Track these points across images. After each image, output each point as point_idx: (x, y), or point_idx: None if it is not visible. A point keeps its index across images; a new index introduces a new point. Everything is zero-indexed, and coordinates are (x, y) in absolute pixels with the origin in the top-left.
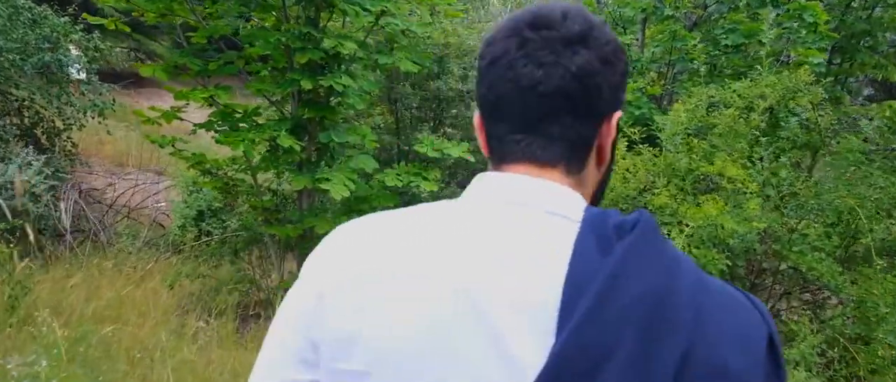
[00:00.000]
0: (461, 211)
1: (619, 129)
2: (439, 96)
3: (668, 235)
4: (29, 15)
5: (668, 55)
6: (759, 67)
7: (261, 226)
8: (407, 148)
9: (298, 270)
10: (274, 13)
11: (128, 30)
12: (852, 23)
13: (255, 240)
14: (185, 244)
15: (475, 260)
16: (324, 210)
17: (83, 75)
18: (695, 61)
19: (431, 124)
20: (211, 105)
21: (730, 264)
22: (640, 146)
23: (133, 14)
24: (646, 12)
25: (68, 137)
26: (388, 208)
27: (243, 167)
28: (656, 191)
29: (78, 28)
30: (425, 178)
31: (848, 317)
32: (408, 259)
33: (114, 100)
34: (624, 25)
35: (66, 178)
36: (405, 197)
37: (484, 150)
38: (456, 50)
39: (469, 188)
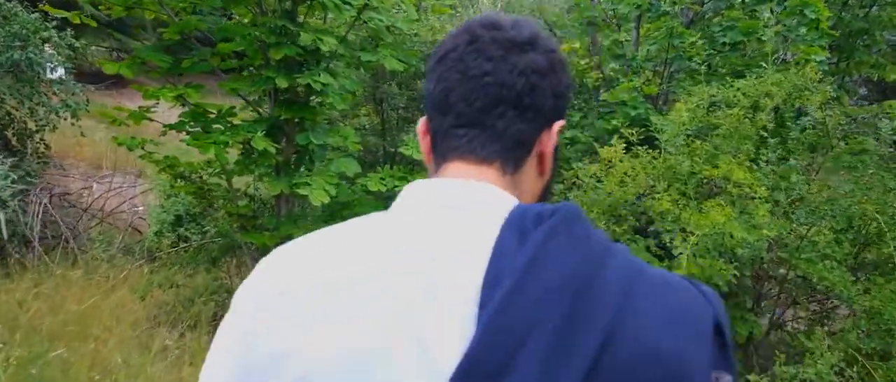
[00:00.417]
0: (391, 220)
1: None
2: (426, 96)
3: (671, 243)
4: None
5: (664, 53)
6: (764, 65)
7: (237, 234)
8: (393, 150)
9: None
10: (250, 7)
11: (94, 24)
12: (850, 21)
13: (233, 248)
14: (161, 251)
15: (402, 267)
16: (303, 216)
17: (56, 74)
18: (693, 59)
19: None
20: (184, 105)
21: (737, 275)
22: (639, 148)
23: (100, 7)
24: (641, 9)
25: (41, 139)
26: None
27: (218, 171)
28: (657, 195)
29: (50, 25)
30: (411, 182)
31: (862, 331)
32: (335, 272)
33: (87, 100)
34: (618, 22)
35: (35, 182)
36: (390, 202)
37: (426, 157)
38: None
39: (399, 197)
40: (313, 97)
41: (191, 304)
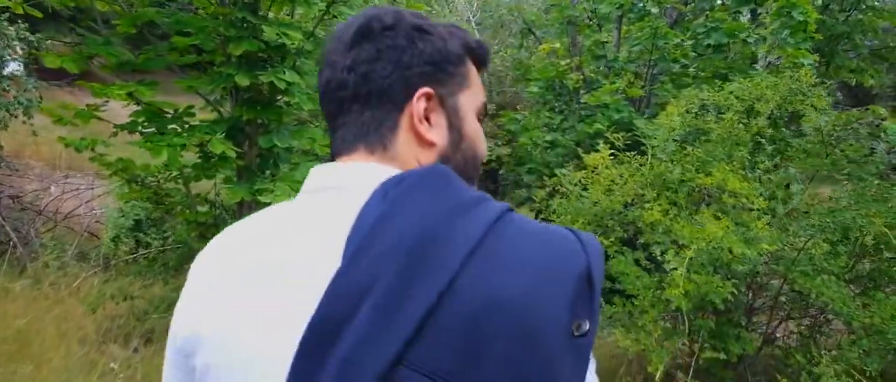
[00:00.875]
0: (286, 210)
1: (452, 108)
2: None
3: (662, 256)
4: None
5: (648, 54)
6: (757, 67)
7: (195, 243)
8: None
9: None
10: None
11: (40, 15)
12: (831, 25)
13: (192, 257)
14: (118, 258)
15: (290, 249)
16: None
17: (7, 69)
18: (678, 61)
19: None
20: (138, 103)
21: (735, 292)
22: (627, 154)
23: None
24: (622, 9)
25: None
26: None
27: (175, 175)
28: (646, 205)
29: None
30: None
31: (863, 350)
32: (239, 255)
33: (41, 97)
34: (599, 23)
35: None
36: None
37: None
38: None
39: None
40: (280, 97)
41: (146, 317)
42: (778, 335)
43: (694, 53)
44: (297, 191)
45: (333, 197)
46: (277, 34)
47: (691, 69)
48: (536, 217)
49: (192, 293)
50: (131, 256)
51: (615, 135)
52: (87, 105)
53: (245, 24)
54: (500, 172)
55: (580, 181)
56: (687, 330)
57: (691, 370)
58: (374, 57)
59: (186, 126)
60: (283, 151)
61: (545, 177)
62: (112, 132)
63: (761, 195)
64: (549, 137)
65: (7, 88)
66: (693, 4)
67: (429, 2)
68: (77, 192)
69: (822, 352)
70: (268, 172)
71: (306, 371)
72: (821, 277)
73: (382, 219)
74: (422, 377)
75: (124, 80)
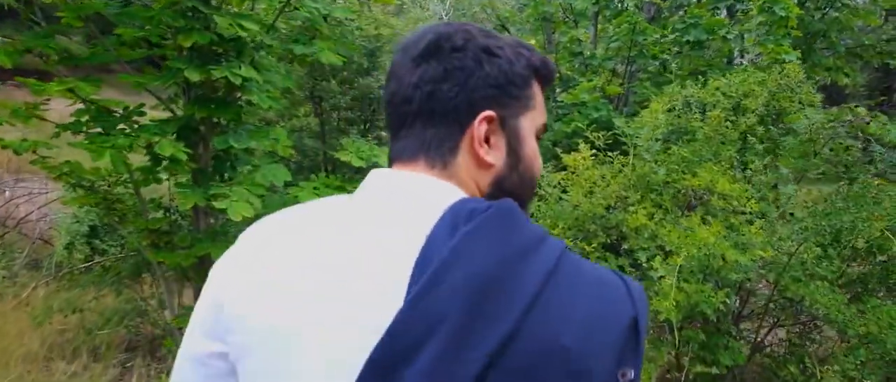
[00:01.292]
0: (346, 204)
1: (513, 130)
2: (370, 95)
3: (649, 263)
4: None
5: (626, 51)
6: (743, 62)
7: (147, 251)
8: (334, 154)
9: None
10: None
11: None
12: (808, 23)
13: (148, 266)
14: (72, 266)
15: (351, 248)
16: (224, 233)
17: None
18: (657, 58)
19: (362, 127)
20: (83, 101)
21: (727, 301)
22: (610, 154)
23: None
24: (599, 4)
25: None
26: None
27: (124, 179)
28: (630, 208)
29: None
30: (349, 192)
31: (861, 362)
32: (293, 253)
33: None
34: (575, 19)
35: None
36: None
37: None
38: (389, 42)
39: (362, 184)
40: (239, 94)
41: (97, 331)
42: (766, 342)
43: (674, 49)
44: (257, 195)
45: (398, 205)
46: (231, 25)
47: (674, 65)
48: None
49: (247, 266)
50: (86, 264)
51: (595, 133)
52: (26, 103)
53: (195, 14)
54: None
55: (559, 183)
56: (676, 343)
57: None
58: (442, 76)
59: (135, 126)
60: (241, 153)
61: None
62: (54, 132)
63: (753, 197)
64: None
65: None
66: (669, 1)
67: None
68: (30, 197)
69: (816, 362)
70: (226, 176)
71: None
72: (814, 283)
73: (453, 257)
74: None
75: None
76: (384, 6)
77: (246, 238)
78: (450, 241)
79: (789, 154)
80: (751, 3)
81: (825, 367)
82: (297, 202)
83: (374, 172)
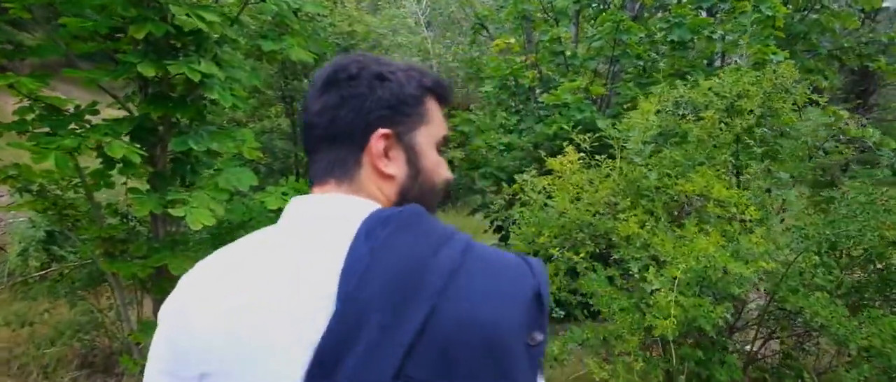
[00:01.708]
0: (275, 235)
1: (410, 144)
2: None
3: (640, 274)
4: None
5: (609, 50)
6: (738, 61)
7: (101, 261)
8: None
9: (155, 316)
10: None
11: None
12: (790, 24)
13: (102, 277)
14: (27, 275)
15: (285, 275)
16: (185, 242)
17: None
18: (641, 58)
19: None
20: (29, 98)
21: (728, 317)
22: (598, 157)
23: None
24: (580, 3)
25: None
26: None
27: (76, 183)
28: (619, 215)
29: None
30: None
31: (865, 378)
32: (236, 286)
33: None
34: (556, 18)
35: None
36: None
37: None
38: (363, 40)
39: (285, 212)
40: (202, 92)
41: (50, 345)
42: (760, 354)
43: (663, 48)
44: (219, 201)
45: (318, 227)
46: (189, 15)
47: (662, 63)
48: (497, 231)
49: (199, 302)
50: (42, 272)
51: (581, 135)
52: None
53: (150, 4)
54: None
55: (544, 188)
56: (672, 361)
57: None
58: (339, 103)
59: (87, 125)
60: (202, 155)
61: (502, 183)
62: None
63: (753, 204)
64: (504, 139)
65: None
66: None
67: (377, 1)
68: None
69: (814, 377)
70: (187, 180)
71: None
72: (814, 294)
73: (374, 259)
74: None
75: (15, 72)
76: (358, 1)
77: (188, 280)
78: (368, 245)
79: (789, 157)
80: (733, 2)
81: (822, 375)
82: (264, 207)
83: (293, 201)
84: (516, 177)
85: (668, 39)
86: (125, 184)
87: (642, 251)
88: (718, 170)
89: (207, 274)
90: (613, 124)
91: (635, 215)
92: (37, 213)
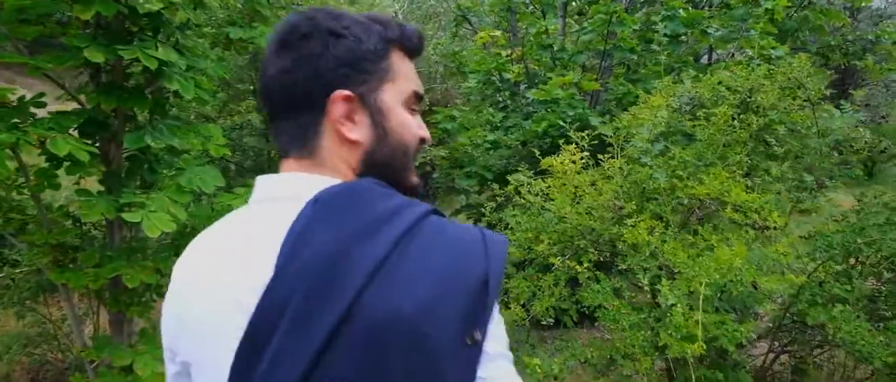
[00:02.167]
0: (244, 215)
1: (374, 105)
2: None
3: (649, 285)
4: None
5: (600, 43)
6: (750, 53)
7: (49, 270)
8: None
9: (113, 329)
10: None
11: None
12: (781, 22)
13: (51, 286)
14: None
15: (235, 253)
16: (142, 249)
17: None
18: (634, 51)
19: None
20: None
21: (753, 336)
22: (600, 156)
23: None
24: None
25: None
26: None
27: (20, 183)
28: (627, 221)
29: None
30: None
31: None
32: (198, 265)
33: None
34: (542, 10)
35: None
36: None
37: None
38: None
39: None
40: (163, 83)
41: None
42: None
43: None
44: (180, 204)
45: (275, 208)
46: None
47: (663, 56)
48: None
49: (177, 294)
50: None
51: (579, 133)
52: None
53: None
54: (434, 175)
55: (542, 191)
56: None
57: None
58: (293, 66)
59: (32, 119)
60: (162, 153)
61: (489, 183)
62: None
63: (776, 210)
64: (489, 137)
65: None
66: None
67: None
68: None
69: None
70: (148, 180)
71: None
72: (837, 308)
73: (298, 241)
74: None
75: None
76: None
77: (177, 266)
78: (293, 235)
79: (822, 160)
80: None
81: None
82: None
83: (258, 179)
84: (509, 177)
85: (662, 34)
86: (77, 184)
87: (651, 260)
88: (733, 171)
89: (183, 257)
90: (611, 120)
91: (643, 220)
92: None
